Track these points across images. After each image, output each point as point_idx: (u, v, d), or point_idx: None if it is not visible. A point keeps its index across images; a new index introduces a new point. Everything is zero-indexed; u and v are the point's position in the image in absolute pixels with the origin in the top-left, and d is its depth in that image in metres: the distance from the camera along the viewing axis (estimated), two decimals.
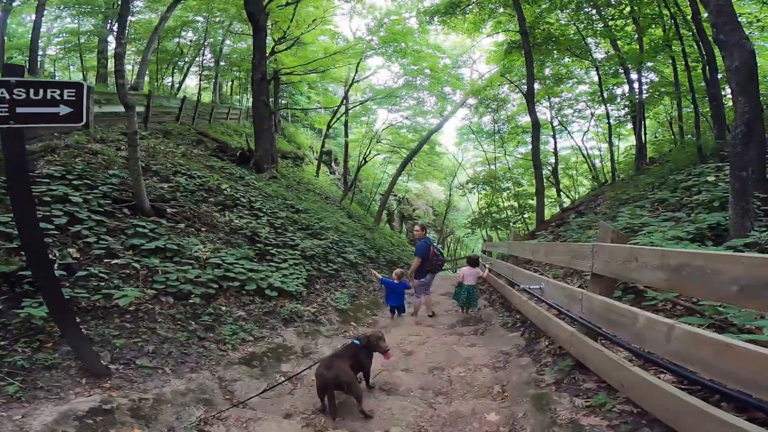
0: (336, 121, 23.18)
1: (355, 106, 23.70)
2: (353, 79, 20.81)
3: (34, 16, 16.19)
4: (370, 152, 24.04)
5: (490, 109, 18.77)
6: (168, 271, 4.32)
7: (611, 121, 13.59)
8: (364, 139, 24.28)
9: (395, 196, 30.51)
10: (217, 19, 20.36)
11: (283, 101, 25.33)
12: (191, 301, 4.13)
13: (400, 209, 31.62)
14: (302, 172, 20.81)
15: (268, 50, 14.81)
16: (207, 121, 16.30)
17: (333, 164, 29.33)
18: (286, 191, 11.81)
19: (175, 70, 24.11)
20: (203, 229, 6.13)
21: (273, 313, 4.78)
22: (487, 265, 6.88)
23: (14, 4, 15.91)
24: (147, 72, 19.79)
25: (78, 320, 3.32)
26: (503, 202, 17.15)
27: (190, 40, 22.97)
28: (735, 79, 4.05)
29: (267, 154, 13.29)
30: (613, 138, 14.82)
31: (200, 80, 25.34)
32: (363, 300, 7.15)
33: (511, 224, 15.51)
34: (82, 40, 20.31)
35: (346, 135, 25.33)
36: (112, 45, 22.57)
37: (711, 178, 5.89)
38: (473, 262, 6.27)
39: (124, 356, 3.19)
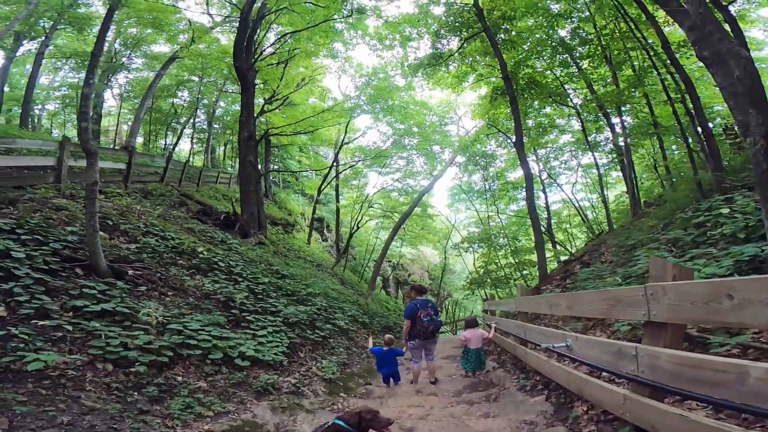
0: (327, 186, 22.93)
1: (345, 169, 23.62)
2: (343, 140, 20.94)
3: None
4: (361, 218, 23.55)
5: (479, 167, 18.82)
6: (110, 336, 3.54)
7: (600, 170, 13.55)
8: (356, 205, 23.99)
9: (389, 262, 29.76)
10: (212, 78, 20.71)
11: (274, 166, 25.31)
12: (135, 369, 3.31)
13: (395, 275, 30.67)
14: (293, 239, 20.21)
15: (258, 110, 14.69)
16: (195, 184, 15.67)
17: (325, 231, 28.88)
18: (272, 257, 11.14)
19: (168, 132, 24.23)
20: (170, 293, 5.41)
21: (243, 384, 3.91)
22: (493, 324, 6.11)
23: (17, 53, 16.02)
24: (141, 132, 19.82)
25: None
26: (500, 260, 16.54)
27: (185, 100, 23.12)
28: (740, 91, 3.68)
29: (253, 218, 12.68)
30: (603, 187, 14.76)
31: (192, 142, 25.16)
32: (355, 368, 6.19)
33: (511, 282, 14.73)
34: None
35: (337, 200, 25.12)
36: (108, 102, 22.61)
37: (725, 211, 5.45)
38: (472, 324, 5.98)
39: (27, 425, 2.42)
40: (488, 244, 17.06)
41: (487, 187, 18.94)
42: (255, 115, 13.56)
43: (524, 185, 16.50)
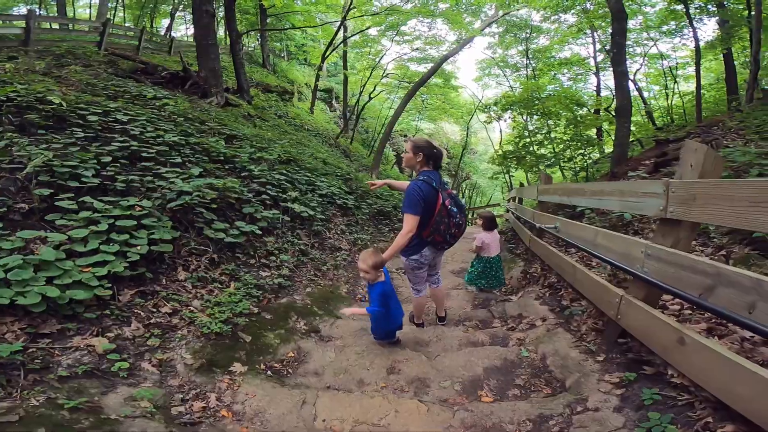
0: (331, 53, 19.62)
1: (354, 34, 19.53)
2: (349, 5, 16.41)
3: None
4: (373, 88, 20.15)
5: (518, 39, 16.35)
6: None
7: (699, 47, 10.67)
8: (366, 71, 20.19)
9: (405, 136, 26.59)
10: None
11: (277, 43, 23.49)
12: None
13: None
14: (291, 107, 17.56)
15: None
16: (166, 53, 14.58)
17: (334, 102, 25.52)
18: (231, 119, 8.32)
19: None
20: None
21: None
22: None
23: None
24: (107, 13, 17.21)
25: None
26: (547, 131, 12.35)
27: None
28: None
29: (215, 75, 9.88)
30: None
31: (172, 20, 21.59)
32: (297, 294, 3.75)
33: (561, 162, 10.94)
34: None
35: (345, 67, 21.22)
36: None
37: None
38: (491, 223, 4.37)
39: None
40: (528, 109, 12.48)
41: (526, 63, 16.61)
42: None
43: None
